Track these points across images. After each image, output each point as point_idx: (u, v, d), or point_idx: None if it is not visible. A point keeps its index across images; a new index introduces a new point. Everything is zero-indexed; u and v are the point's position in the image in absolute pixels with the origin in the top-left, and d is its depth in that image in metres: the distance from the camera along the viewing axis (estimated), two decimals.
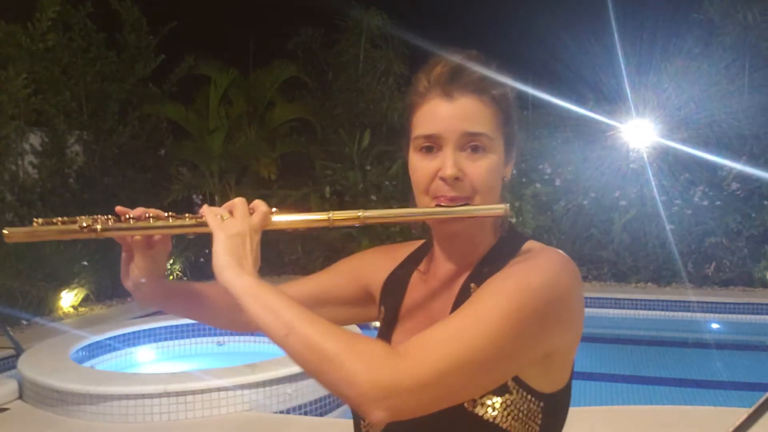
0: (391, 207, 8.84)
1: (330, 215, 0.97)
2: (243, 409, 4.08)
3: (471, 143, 0.95)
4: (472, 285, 0.99)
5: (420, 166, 0.98)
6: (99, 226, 0.97)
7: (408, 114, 1.03)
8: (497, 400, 0.90)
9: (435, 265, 1.07)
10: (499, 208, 0.95)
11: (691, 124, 8.91)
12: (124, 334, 5.58)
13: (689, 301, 7.74)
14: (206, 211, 0.98)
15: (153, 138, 9.89)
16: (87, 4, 8.76)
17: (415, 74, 1.03)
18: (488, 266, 0.99)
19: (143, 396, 3.97)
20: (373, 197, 9.72)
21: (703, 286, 8.55)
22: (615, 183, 9.06)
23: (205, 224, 0.98)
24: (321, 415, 4.37)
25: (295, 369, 4.26)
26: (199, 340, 5.88)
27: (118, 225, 0.98)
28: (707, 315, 7.59)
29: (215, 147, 10.06)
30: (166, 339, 5.79)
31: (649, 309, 7.84)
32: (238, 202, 0.98)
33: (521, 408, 0.91)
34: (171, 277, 9.22)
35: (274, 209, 1.01)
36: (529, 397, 0.92)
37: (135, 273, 1.04)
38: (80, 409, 4.05)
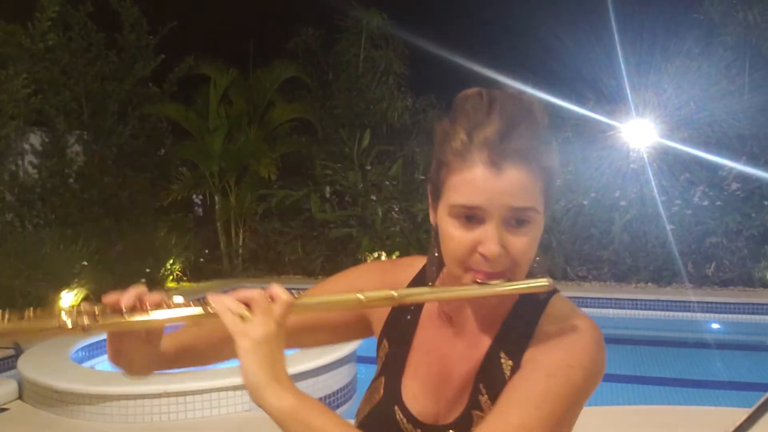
0: (391, 207, 8.79)
1: (363, 296, 0.87)
2: (243, 410, 4.08)
3: (516, 217, 0.86)
4: (502, 354, 0.94)
5: (457, 235, 0.87)
6: (86, 322, 0.80)
7: (439, 170, 0.90)
8: None
9: (455, 311, 0.99)
10: (543, 284, 0.87)
11: (691, 124, 8.91)
12: None
13: (689, 301, 7.74)
14: (220, 309, 0.82)
15: (153, 138, 9.90)
16: (87, 4, 8.76)
17: (452, 117, 0.90)
18: (515, 329, 0.94)
19: (143, 396, 3.97)
20: (373, 197, 9.72)
21: (703, 286, 8.56)
22: (615, 183, 9.06)
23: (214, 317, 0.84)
24: None
25: (295, 369, 4.26)
26: None
27: (108, 321, 0.83)
28: (707, 315, 7.60)
29: (215, 147, 10.06)
30: None
31: (649, 309, 7.85)
32: (257, 295, 0.83)
33: None
34: (171, 277, 9.23)
35: (294, 293, 0.87)
36: None
37: (130, 355, 0.94)
38: (80, 409, 4.05)
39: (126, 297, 0.83)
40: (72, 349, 4.94)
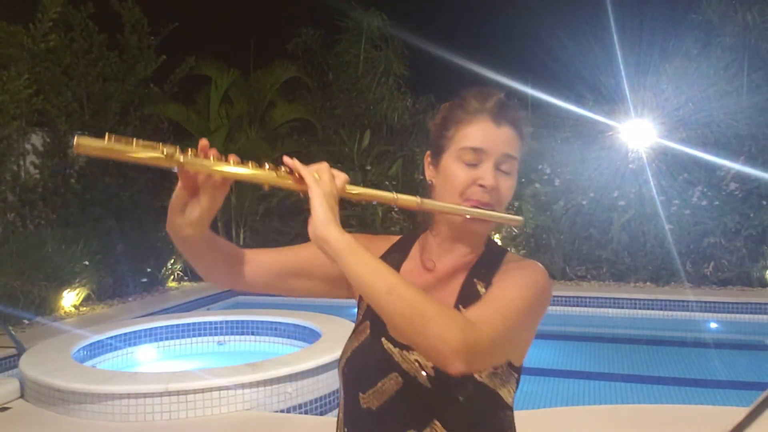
0: (391, 207, 8.82)
1: (396, 196, 1.08)
2: (243, 408, 4.10)
3: (505, 163, 1.16)
4: (476, 281, 1.18)
5: (460, 173, 1.15)
6: (182, 159, 0.96)
7: (448, 124, 1.18)
8: (493, 370, 1.11)
9: (432, 259, 1.24)
10: (519, 219, 1.19)
11: (690, 124, 8.93)
12: (125, 334, 5.60)
13: (688, 301, 7.76)
14: (300, 167, 1.05)
15: (154, 138, 9.81)
16: (88, 4, 8.79)
17: (464, 96, 1.19)
18: (485, 267, 1.19)
19: (144, 395, 3.99)
20: None
21: (702, 285, 8.57)
22: (614, 183, 9.08)
23: (290, 179, 1.04)
24: (321, 414, 4.39)
25: (296, 368, 4.29)
26: (199, 339, 5.91)
27: (204, 162, 0.99)
28: (706, 314, 7.61)
29: (216, 147, 10.02)
30: (166, 338, 5.81)
31: (648, 308, 7.86)
32: (325, 167, 1.06)
33: (505, 376, 1.13)
34: (171, 276, 9.25)
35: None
36: (510, 369, 1.14)
37: (195, 212, 1.07)
38: (81, 408, 4.07)
39: (212, 150, 1.02)
40: (73, 349, 4.95)
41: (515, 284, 1.10)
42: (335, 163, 10.08)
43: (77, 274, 7.32)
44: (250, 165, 1.01)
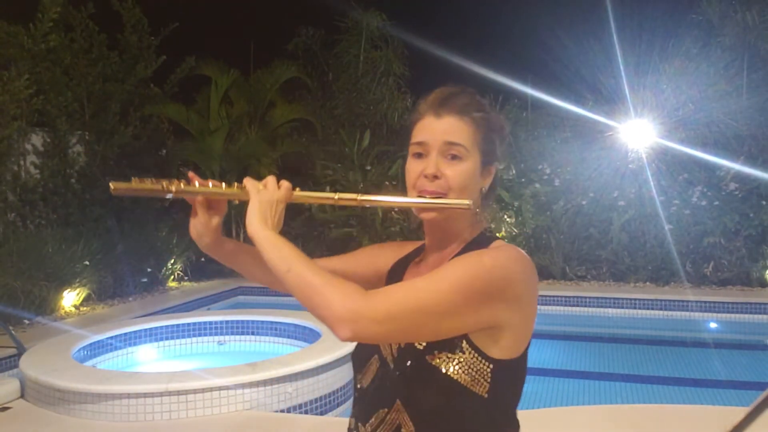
0: (391, 207, 8.87)
1: (337, 195, 1.25)
2: (244, 408, 4.10)
3: (450, 151, 1.20)
4: None
5: (411, 167, 1.24)
6: (174, 188, 1.26)
7: (409, 130, 1.27)
8: (452, 357, 1.13)
9: (425, 255, 1.34)
10: (463, 202, 1.18)
11: (690, 124, 8.93)
12: (125, 334, 5.60)
13: (687, 301, 7.77)
14: (248, 181, 1.25)
15: (154, 138, 9.92)
16: (89, 4, 8.79)
17: (418, 102, 1.28)
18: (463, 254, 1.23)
19: (144, 395, 3.99)
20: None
21: (702, 285, 8.58)
22: (614, 183, 9.08)
23: (245, 192, 1.24)
24: (321, 413, 4.39)
25: (296, 368, 4.29)
26: (199, 339, 5.91)
27: (187, 188, 1.28)
28: (705, 314, 7.62)
29: (216, 147, 10.09)
30: (167, 338, 5.81)
31: (648, 308, 7.86)
32: (270, 178, 1.25)
33: (472, 366, 1.13)
34: (171, 276, 9.26)
35: (297, 188, 1.27)
36: (479, 358, 1.13)
37: (197, 227, 1.33)
38: (82, 408, 4.08)
39: (199, 179, 1.29)
40: (74, 349, 4.96)
41: (457, 265, 1.12)
42: (335, 163, 10.14)
43: (77, 274, 7.33)
44: (222, 185, 1.29)
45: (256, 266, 1.36)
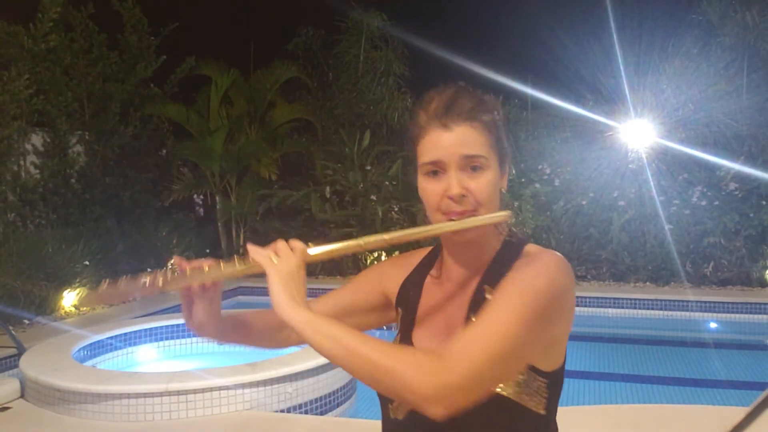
0: (391, 207, 8.84)
1: (362, 241, 1.12)
2: (244, 408, 4.10)
3: (470, 164, 1.09)
4: (486, 287, 1.13)
5: (429, 188, 1.12)
6: (161, 282, 1.11)
7: (412, 144, 1.16)
8: (510, 381, 1.07)
9: (447, 270, 1.22)
10: (502, 215, 1.12)
11: (690, 124, 8.93)
12: (125, 334, 5.60)
13: (687, 301, 7.76)
14: (256, 254, 1.09)
15: (154, 138, 9.93)
16: (89, 5, 8.80)
17: (413, 110, 1.17)
18: (496, 269, 1.14)
19: (144, 395, 3.99)
20: (373, 197, 9.74)
21: (702, 285, 8.58)
22: (614, 183, 9.08)
23: (253, 266, 1.09)
24: (322, 413, 4.39)
25: (296, 368, 4.29)
26: (200, 339, 5.87)
27: (178, 279, 1.13)
28: (705, 314, 7.62)
29: (216, 147, 10.09)
30: (167, 338, 5.81)
31: (648, 308, 7.86)
32: (281, 244, 1.09)
33: (529, 385, 1.09)
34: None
35: (309, 244, 1.12)
36: (535, 376, 1.09)
37: (198, 315, 1.18)
38: (82, 408, 4.08)
39: (190, 264, 1.13)
40: (74, 348, 4.96)
41: (514, 295, 1.03)
42: (335, 163, 10.14)
43: (77, 273, 7.33)
44: (221, 266, 1.11)
45: (262, 335, 1.29)
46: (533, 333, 1.01)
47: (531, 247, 1.17)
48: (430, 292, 1.22)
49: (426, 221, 1.17)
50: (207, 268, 1.12)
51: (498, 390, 1.06)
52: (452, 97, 1.12)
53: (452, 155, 1.09)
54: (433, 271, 1.25)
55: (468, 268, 1.18)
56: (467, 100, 1.12)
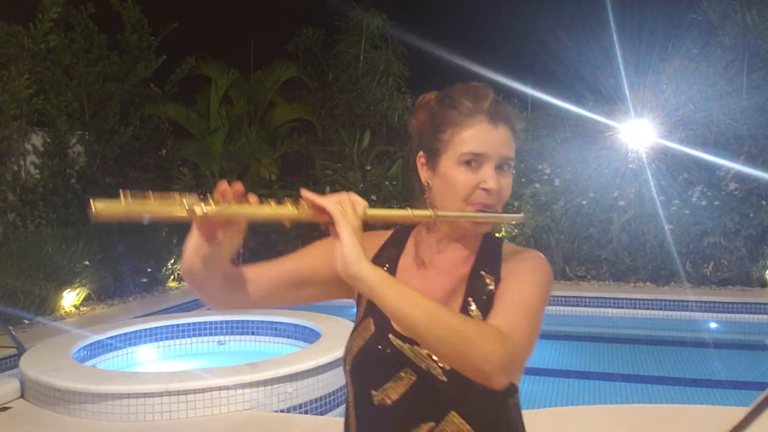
0: (391, 207, 8.89)
1: (412, 212, 1.10)
2: (244, 408, 4.11)
3: (504, 164, 1.16)
4: (483, 273, 1.20)
5: (462, 177, 1.14)
6: (197, 210, 0.94)
7: (442, 126, 1.17)
8: None
9: (429, 256, 1.24)
10: (520, 216, 1.23)
11: (690, 124, 8.93)
12: (125, 334, 5.60)
13: (687, 301, 7.76)
14: (324, 202, 1.02)
15: (154, 138, 9.93)
16: (89, 5, 8.79)
17: (452, 95, 1.19)
18: (487, 258, 1.22)
19: (144, 395, 3.99)
20: (374, 197, 9.75)
21: (702, 285, 8.58)
22: (614, 183, 9.08)
23: (312, 212, 1.03)
24: (322, 413, 4.39)
25: (296, 368, 4.29)
26: (200, 339, 5.91)
27: (223, 209, 0.97)
28: (705, 314, 7.62)
29: (216, 147, 10.09)
30: (167, 338, 5.81)
31: (648, 308, 7.86)
32: (346, 198, 1.04)
33: None
34: (171, 276, 9.26)
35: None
36: None
37: (211, 253, 1.06)
38: (82, 408, 4.08)
39: (233, 188, 0.99)
40: (74, 348, 4.96)
41: (531, 283, 1.13)
42: (335, 163, 10.14)
43: (77, 273, 7.33)
44: (271, 204, 1.01)
45: (224, 287, 1.17)
46: (541, 315, 1.12)
47: (508, 244, 1.26)
48: (407, 277, 1.22)
49: (425, 207, 1.17)
50: (253, 202, 1.00)
51: None
52: (496, 99, 1.18)
53: (495, 152, 1.14)
54: (408, 256, 1.26)
55: (456, 253, 1.22)
56: (509, 107, 1.19)
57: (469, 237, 1.22)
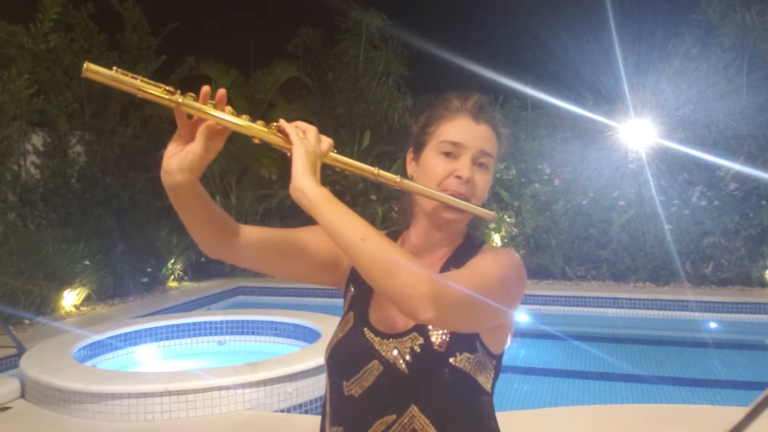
0: (391, 207, 8.84)
1: (378, 171, 1.16)
2: (244, 408, 4.11)
3: (481, 159, 1.22)
4: (452, 268, 1.23)
5: (439, 164, 1.21)
6: (181, 99, 1.02)
7: (431, 121, 1.26)
8: (469, 356, 1.16)
9: (413, 251, 1.28)
10: (491, 214, 1.23)
11: (689, 124, 8.93)
12: (125, 333, 5.61)
13: (687, 301, 7.77)
14: (286, 125, 1.09)
15: (154, 138, 9.91)
16: (89, 4, 8.78)
17: (446, 96, 1.27)
18: (461, 256, 1.25)
19: (145, 395, 4.00)
20: (373, 197, 9.75)
21: (701, 285, 8.58)
22: (614, 183, 9.09)
23: (279, 136, 1.09)
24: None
25: (296, 368, 4.30)
26: (199, 339, 5.92)
27: (200, 107, 1.04)
28: (705, 314, 7.62)
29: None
30: (167, 338, 5.82)
31: (648, 308, 7.87)
32: (312, 128, 1.11)
33: (482, 363, 1.18)
34: (171, 276, 9.26)
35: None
36: (487, 355, 1.19)
37: (187, 157, 1.07)
38: (82, 408, 4.08)
39: (217, 94, 1.06)
40: (74, 348, 4.96)
41: (489, 259, 1.17)
42: None
43: (78, 273, 7.33)
44: (243, 117, 1.06)
45: (215, 228, 1.17)
46: (496, 297, 1.11)
47: (489, 246, 1.29)
48: None
49: (406, 203, 1.30)
50: (228, 111, 1.05)
51: (455, 363, 1.14)
52: (486, 103, 1.25)
53: (473, 144, 1.20)
54: None
55: (433, 253, 1.27)
56: (496, 112, 1.27)
57: (447, 234, 1.26)
